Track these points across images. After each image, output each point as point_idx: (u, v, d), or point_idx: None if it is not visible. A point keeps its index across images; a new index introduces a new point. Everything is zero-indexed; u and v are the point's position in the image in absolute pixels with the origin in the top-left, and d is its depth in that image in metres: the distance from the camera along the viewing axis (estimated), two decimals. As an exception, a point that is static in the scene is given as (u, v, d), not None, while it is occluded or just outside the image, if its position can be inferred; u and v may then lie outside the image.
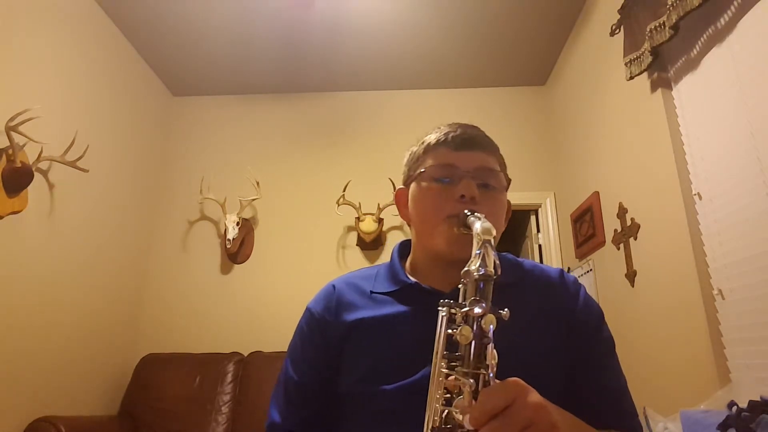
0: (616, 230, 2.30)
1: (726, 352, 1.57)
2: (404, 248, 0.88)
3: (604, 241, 2.44)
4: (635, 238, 2.13)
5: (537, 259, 3.18)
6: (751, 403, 1.23)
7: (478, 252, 0.58)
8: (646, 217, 2.07)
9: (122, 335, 2.92)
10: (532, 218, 3.31)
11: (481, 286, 0.55)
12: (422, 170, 0.79)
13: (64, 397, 2.40)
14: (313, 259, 3.17)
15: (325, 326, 0.79)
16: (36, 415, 2.16)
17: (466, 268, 0.57)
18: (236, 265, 3.18)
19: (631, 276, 2.16)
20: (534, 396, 0.50)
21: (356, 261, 3.15)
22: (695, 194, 1.75)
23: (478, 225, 0.62)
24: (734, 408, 1.28)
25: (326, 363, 0.77)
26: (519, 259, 0.84)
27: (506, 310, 0.54)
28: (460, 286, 0.59)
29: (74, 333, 2.50)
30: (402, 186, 0.87)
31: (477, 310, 0.53)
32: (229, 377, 2.72)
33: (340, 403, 0.75)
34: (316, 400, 0.79)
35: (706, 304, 1.65)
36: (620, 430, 0.70)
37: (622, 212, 2.24)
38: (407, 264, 0.85)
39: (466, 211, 0.69)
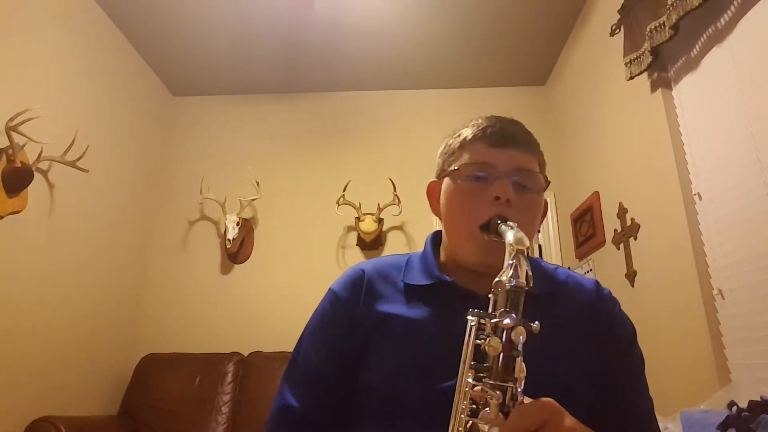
0: (616, 230, 2.30)
1: (726, 352, 1.57)
2: (437, 238, 0.84)
3: (604, 241, 2.44)
4: (635, 238, 2.13)
5: (537, 259, 3.18)
6: (751, 403, 1.23)
7: (511, 262, 0.56)
8: (646, 217, 2.07)
9: (122, 335, 2.92)
10: (532, 218, 3.31)
11: (512, 297, 0.54)
12: (456, 167, 0.75)
13: (64, 397, 2.40)
14: (313, 259, 3.17)
15: (353, 311, 0.75)
16: (36, 415, 2.16)
17: (497, 278, 0.56)
18: (236, 265, 3.18)
19: (631, 276, 2.16)
20: (568, 420, 0.49)
21: (356, 261, 3.14)
22: (695, 194, 1.75)
23: (510, 235, 0.59)
24: (734, 408, 1.28)
25: (350, 349, 0.74)
26: (552, 266, 0.81)
27: (536, 323, 0.53)
28: (490, 295, 0.57)
29: (74, 333, 2.50)
30: (434, 179, 0.83)
31: (507, 321, 0.52)
32: (229, 377, 2.72)
33: (361, 395, 0.72)
34: (336, 385, 0.75)
35: (706, 304, 1.65)
36: None
37: (622, 212, 2.24)
38: (440, 253, 0.82)
39: (497, 220, 0.67)
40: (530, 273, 0.56)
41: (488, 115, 0.79)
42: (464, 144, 0.77)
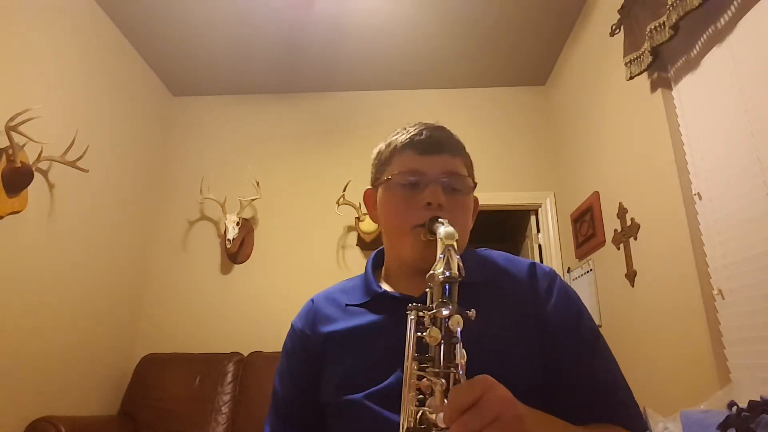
0: (616, 230, 2.30)
1: (726, 352, 1.57)
2: (379, 257, 0.89)
3: (604, 241, 2.44)
4: (635, 238, 2.13)
5: (537, 259, 3.18)
6: (751, 403, 1.23)
7: (441, 256, 0.60)
8: (646, 217, 2.07)
9: (122, 335, 2.92)
10: (532, 218, 3.31)
11: (447, 288, 0.57)
12: (388, 177, 0.79)
13: (64, 397, 2.40)
14: (313, 259, 3.17)
15: (305, 340, 0.81)
16: (36, 415, 2.16)
17: (431, 272, 0.59)
18: (236, 265, 3.18)
19: (631, 276, 2.16)
20: (501, 390, 0.51)
21: (356, 261, 3.16)
22: (695, 194, 1.75)
23: (441, 230, 0.63)
24: (734, 408, 1.28)
25: (308, 376, 0.79)
26: (495, 254, 0.84)
27: (472, 310, 0.56)
28: (427, 289, 0.60)
29: (74, 333, 2.50)
30: (370, 187, 0.87)
31: (444, 311, 0.55)
32: (229, 377, 2.72)
33: (325, 415, 0.77)
34: (302, 413, 0.80)
35: (706, 304, 1.65)
36: (617, 424, 0.68)
37: (622, 212, 2.24)
38: (382, 270, 0.86)
39: (432, 218, 0.71)
40: (461, 264, 0.59)
41: (416, 123, 0.83)
42: (395, 152, 0.81)
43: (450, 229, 0.63)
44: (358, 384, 0.71)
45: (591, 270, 2.61)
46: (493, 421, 0.48)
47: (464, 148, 0.83)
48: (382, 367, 0.70)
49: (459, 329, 0.54)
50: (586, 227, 2.66)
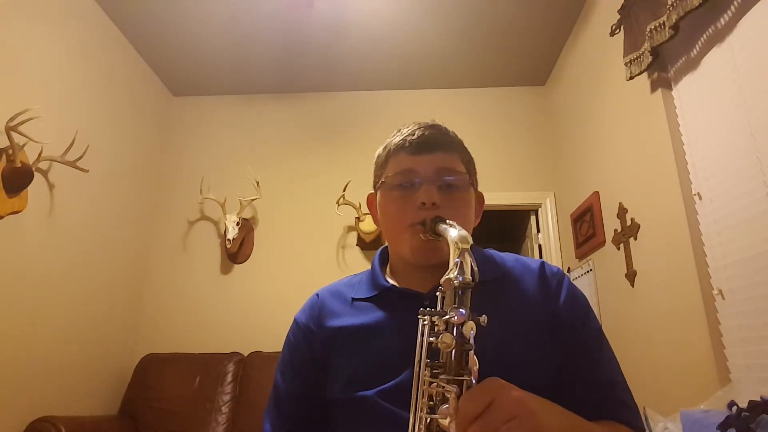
0: (616, 230, 2.30)
1: (726, 352, 1.57)
2: (385, 253, 0.89)
3: (604, 241, 2.44)
4: (635, 238, 2.13)
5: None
6: (751, 403, 1.23)
7: (457, 261, 0.59)
8: (646, 217, 2.07)
9: (122, 335, 2.92)
10: (532, 218, 3.31)
11: (460, 293, 0.57)
12: (383, 179, 0.80)
13: (64, 397, 2.40)
14: (313, 259, 3.17)
15: (310, 335, 0.80)
16: (36, 415, 2.16)
17: (445, 277, 0.58)
18: (236, 265, 3.18)
19: (631, 276, 2.16)
20: (512, 391, 0.51)
21: (356, 261, 3.16)
22: (695, 194, 1.75)
23: (454, 233, 0.62)
24: (734, 408, 1.28)
25: (313, 371, 0.78)
26: (503, 254, 0.84)
27: (484, 316, 0.55)
28: (438, 293, 0.60)
29: (74, 333, 2.50)
30: (372, 192, 0.88)
31: (457, 317, 0.54)
32: (229, 377, 2.72)
33: (329, 411, 0.76)
34: (305, 408, 0.79)
35: (706, 304, 1.65)
36: (618, 422, 0.69)
37: (622, 212, 2.24)
38: (388, 268, 0.86)
39: (435, 218, 0.70)
40: (476, 268, 0.59)
41: (410, 123, 0.83)
42: (389, 155, 0.81)
43: (464, 232, 0.62)
44: (369, 381, 0.70)
45: (591, 270, 2.61)
46: (508, 422, 0.48)
47: (461, 144, 0.83)
48: (392, 363, 0.69)
49: (472, 335, 0.54)
50: (586, 227, 2.66)
